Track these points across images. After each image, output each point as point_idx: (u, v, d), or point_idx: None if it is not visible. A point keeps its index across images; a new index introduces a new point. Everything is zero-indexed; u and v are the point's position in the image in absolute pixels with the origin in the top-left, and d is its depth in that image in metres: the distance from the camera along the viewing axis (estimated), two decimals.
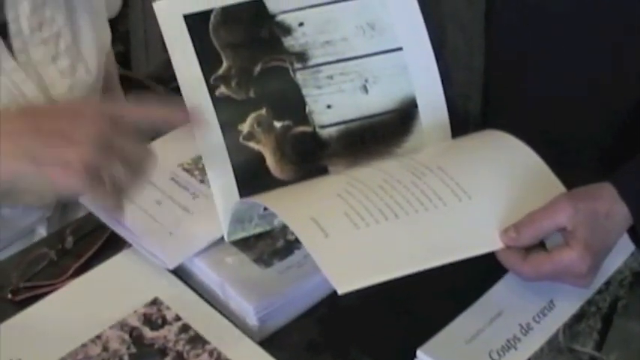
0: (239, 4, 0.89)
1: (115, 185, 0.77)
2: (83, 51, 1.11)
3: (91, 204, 0.95)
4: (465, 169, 0.86)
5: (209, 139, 0.86)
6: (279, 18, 0.89)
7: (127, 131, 0.78)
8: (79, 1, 1.11)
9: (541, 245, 0.81)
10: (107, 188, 0.76)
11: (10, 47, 1.03)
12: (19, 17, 1.03)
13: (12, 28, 1.03)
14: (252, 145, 0.87)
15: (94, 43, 1.13)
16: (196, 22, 0.87)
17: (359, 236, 0.78)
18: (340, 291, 0.74)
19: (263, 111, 0.88)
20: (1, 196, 0.93)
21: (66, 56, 1.08)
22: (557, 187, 0.84)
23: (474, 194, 0.83)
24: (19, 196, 1.05)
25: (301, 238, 0.78)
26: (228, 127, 0.87)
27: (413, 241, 0.79)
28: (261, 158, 0.88)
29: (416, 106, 0.92)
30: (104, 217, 0.94)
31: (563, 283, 0.82)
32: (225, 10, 0.88)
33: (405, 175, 0.84)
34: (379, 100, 0.91)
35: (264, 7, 0.89)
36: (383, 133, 0.91)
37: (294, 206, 0.81)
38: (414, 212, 0.81)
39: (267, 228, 0.89)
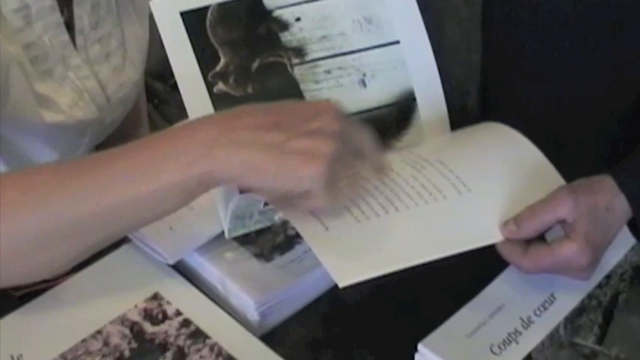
0: (236, 1, 0.89)
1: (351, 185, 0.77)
2: (129, 50, 1.14)
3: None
4: (464, 162, 0.86)
5: None
6: (276, 13, 0.89)
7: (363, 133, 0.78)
8: (127, 2, 1.13)
9: (541, 238, 0.81)
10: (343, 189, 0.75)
11: (74, 43, 1.06)
12: (83, 15, 1.05)
13: (77, 24, 1.05)
14: None
15: (138, 42, 1.15)
16: (193, 20, 0.87)
17: (359, 229, 0.78)
18: (341, 284, 0.74)
19: None
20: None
21: (117, 54, 1.12)
22: (556, 179, 0.84)
23: (474, 187, 0.83)
24: None
25: (302, 232, 0.78)
26: None
27: (413, 234, 0.79)
28: None
29: (414, 99, 0.92)
30: None
31: (563, 276, 0.82)
32: (222, 7, 0.88)
33: (405, 169, 0.84)
34: (377, 94, 0.91)
35: (260, 3, 0.89)
36: (382, 127, 0.91)
37: None
38: (414, 205, 0.81)
39: (268, 224, 0.89)
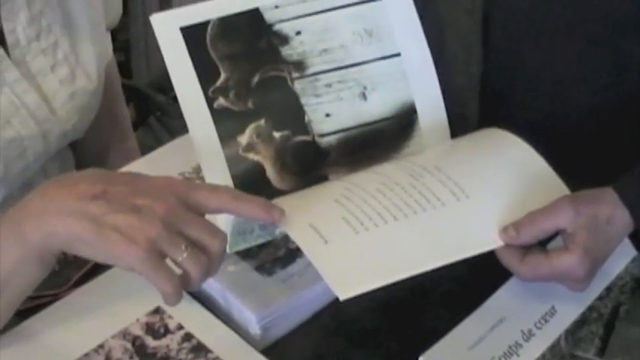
0: (236, 15, 0.88)
1: (182, 277, 0.75)
2: (82, 58, 1.11)
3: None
4: (462, 168, 0.86)
5: (208, 151, 0.85)
6: (277, 27, 0.89)
7: (202, 219, 0.77)
8: (76, 10, 1.11)
9: (540, 245, 0.81)
10: (171, 276, 0.74)
11: (9, 57, 1.03)
12: (16, 28, 1.03)
13: (9, 39, 1.02)
14: (251, 156, 0.87)
15: (93, 50, 1.13)
16: (193, 35, 0.87)
17: (359, 241, 0.78)
18: (342, 297, 0.74)
19: (262, 122, 0.88)
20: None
21: (65, 65, 1.08)
22: (556, 183, 0.84)
23: (473, 193, 0.83)
24: None
25: (301, 246, 0.78)
26: (227, 139, 0.87)
27: (413, 244, 0.79)
28: (261, 169, 0.87)
29: (415, 111, 0.92)
30: None
31: (559, 284, 0.82)
32: (223, 21, 0.88)
33: (403, 177, 0.84)
34: (378, 106, 0.91)
35: (261, 17, 0.89)
36: (382, 139, 0.91)
37: (292, 213, 0.81)
38: (412, 214, 0.81)
39: (269, 238, 0.88)
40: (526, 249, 0.81)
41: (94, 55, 1.13)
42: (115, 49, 1.28)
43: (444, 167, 0.85)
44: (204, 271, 0.75)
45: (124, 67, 2.09)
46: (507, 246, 0.80)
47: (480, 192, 0.83)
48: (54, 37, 1.07)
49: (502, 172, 0.86)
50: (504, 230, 0.80)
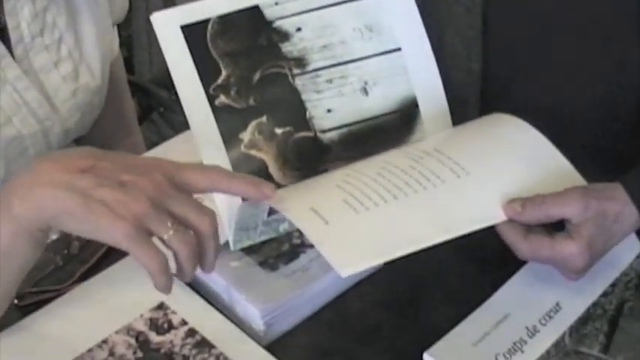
0: (236, 12, 0.88)
1: (178, 265, 0.74)
2: (86, 55, 1.11)
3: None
4: (462, 148, 0.86)
5: (210, 149, 0.85)
6: (277, 24, 0.89)
7: (189, 197, 0.76)
8: (81, 5, 1.10)
9: (542, 226, 0.81)
10: (157, 254, 0.73)
11: (11, 54, 1.03)
12: (20, 24, 1.02)
13: (13, 35, 1.02)
14: (253, 153, 0.87)
15: (98, 47, 1.12)
16: (194, 33, 0.87)
17: (359, 220, 0.78)
18: (343, 274, 0.74)
19: (264, 118, 0.87)
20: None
21: (68, 61, 1.08)
22: (558, 163, 0.85)
23: (473, 170, 0.83)
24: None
25: (302, 228, 0.78)
26: (230, 137, 0.86)
27: (413, 220, 0.79)
28: (263, 166, 0.87)
29: (417, 105, 0.92)
30: None
31: (554, 267, 0.83)
32: (223, 19, 0.88)
33: (403, 161, 0.84)
34: (380, 101, 0.91)
35: (261, 14, 0.89)
36: (384, 134, 0.91)
37: (293, 200, 0.81)
38: (413, 193, 0.81)
39: (273, 235, 0.88)
40: (528, 228, 0.81)
41: (98, 52, 1.12)
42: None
43: (443, 149, 0.85)
44: (193, 251, 0.74)
45: (127, 63, 2.07)
46: (510, 222, 0.80)
47: (480, 169, 0.83)
48: (58, 33, 1.07)
49: (503, 150, 0.86)
50: (510, 203, 0.80)
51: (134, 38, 2.16)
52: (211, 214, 0.75)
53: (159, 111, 1.77)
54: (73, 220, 0.73)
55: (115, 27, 1.23)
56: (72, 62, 1.09)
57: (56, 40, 1.07)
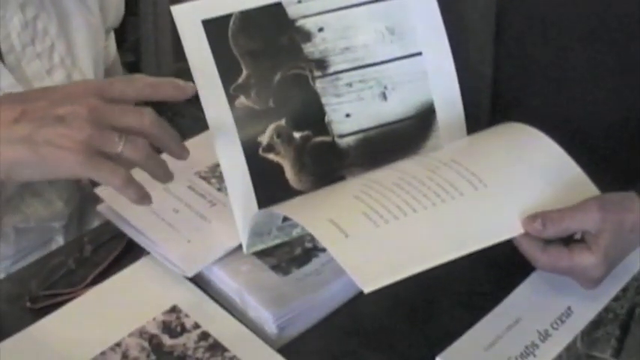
0: (259, 9, 0.87)
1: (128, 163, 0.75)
2: (79, 60, 1.10)
3: (108, 212, 0.96)
4: (479, 159, 0.86)
5: (229, 151, 0.85)
6: (299, 23, 0.88)
7: (124, 105, 0.77)
8: (72, 12, 1.09)
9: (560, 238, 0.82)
10: (116, 169, 0.74)
11: (3, 63, 1.02)
12: (10, 34, 1.02)
13: (3, 45, 1.02)
14: (271, 157, 0.86)
15: (90, 53, 1.12)
16: (215, 28, 0.85)
17: (379, 234, 0.78)
18: (366, 290, 0.73)
19: (283, 121, 0.87)
20: (8, 203, 0.89)
21: (61, 69, 1.07)
22: (573, 172, 0.85)
23: (490, 182, 0.82)
24: (26, 206, 1.05)
25: (322, 241, 0.78)
26: (248, 139, 0.85)
27: (433, 234, 0.79)
28: (279, 170, 0.87)
29: (433, 111, 0.92)
30: (121, 225, 0.94)
31: (572, 280, 0.83)
32: (245, 15, 0.86)
33: (420, 171, 0.84)
34: (397, 107, 0.91)
35: (284, 11, 0.88)
36: (401, 140, 0.91)
37: (311, 211, 0.81)
38: (431, 205, 0.80)
39: (286, 239, 0.88)
40: (546, 240, 0.81)
41: (91, 58, 1.12)
42: (125, 50, 1.26)
43: (460, 160, 0.85)
44: (149, 152, 0.76)
45: (134, 68, 2.08)
46: (528, 235, 0.81)
47: (497, 180, 0.83)
48: (50, 41, 1.06)
49: (520, 161, 0.86)
50: (531, 220, 0.80)
51: (141, 43, 2.16)
52: (148, 111, 0.77)
53: (167, 116, 1.77)
54: (26, 168, 0.75)
55: (112, 32, 1.22)
56: (64, 69, 1.08)
57: (48, 48, 1.06)
